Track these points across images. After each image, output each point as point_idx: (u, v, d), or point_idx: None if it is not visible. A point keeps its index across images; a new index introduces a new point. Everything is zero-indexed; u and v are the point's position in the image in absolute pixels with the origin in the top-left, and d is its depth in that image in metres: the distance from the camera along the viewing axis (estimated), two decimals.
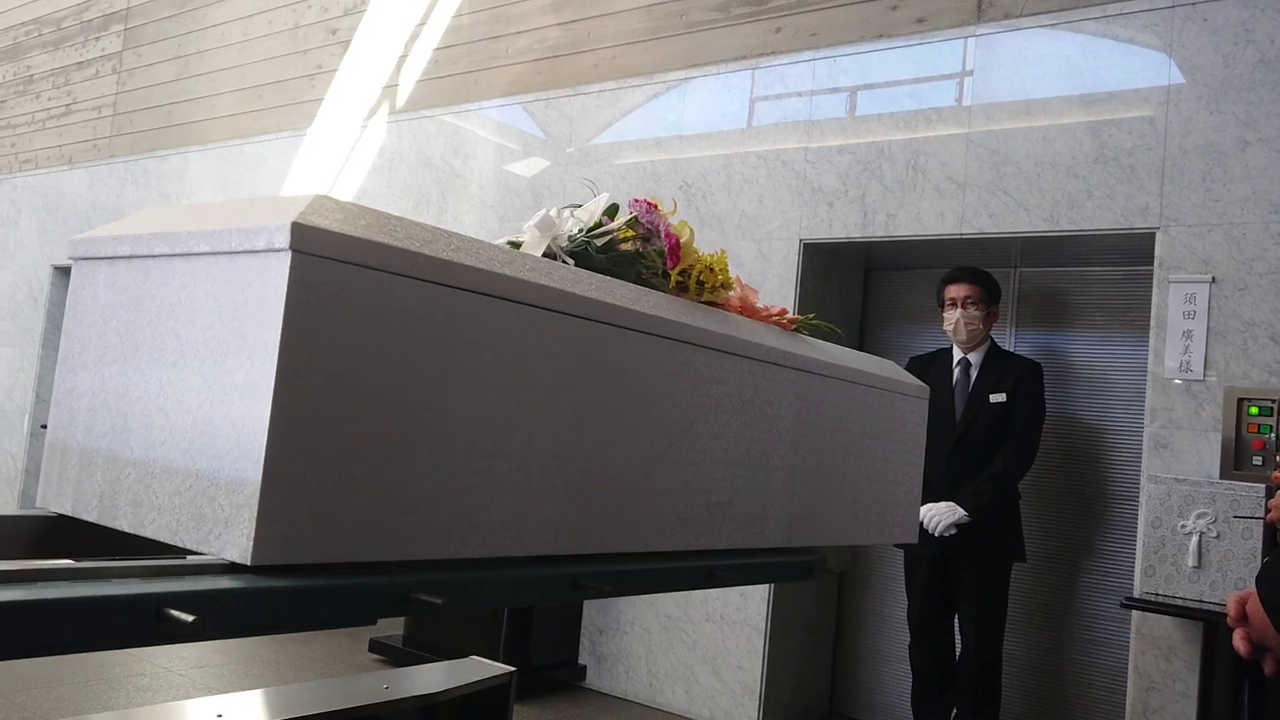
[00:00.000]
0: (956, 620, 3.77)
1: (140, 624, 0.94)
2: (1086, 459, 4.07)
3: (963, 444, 3.68)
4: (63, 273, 7.88)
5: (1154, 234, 3.53)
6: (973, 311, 3.74)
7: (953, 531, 3.55)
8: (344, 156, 6.19)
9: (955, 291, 3.78)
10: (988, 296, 3.78)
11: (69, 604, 0.90)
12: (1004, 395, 3.68)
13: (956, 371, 3.80)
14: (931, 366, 3.77)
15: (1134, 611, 3.32)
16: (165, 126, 7.38)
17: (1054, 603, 4.08)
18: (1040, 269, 4.29)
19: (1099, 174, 3.65)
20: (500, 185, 5.43)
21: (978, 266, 3.88)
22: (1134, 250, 3.75)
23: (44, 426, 6.78)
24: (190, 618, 0.94)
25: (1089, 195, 3.67)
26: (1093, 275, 4.16)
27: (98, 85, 8.01)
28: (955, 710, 3.72)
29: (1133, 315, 3.94)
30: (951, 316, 3.77)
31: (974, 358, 3.79)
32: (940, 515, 3.55)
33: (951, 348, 3.85)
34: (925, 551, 3.63)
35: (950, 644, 3.80)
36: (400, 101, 5.97)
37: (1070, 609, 4.04)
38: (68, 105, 8.22)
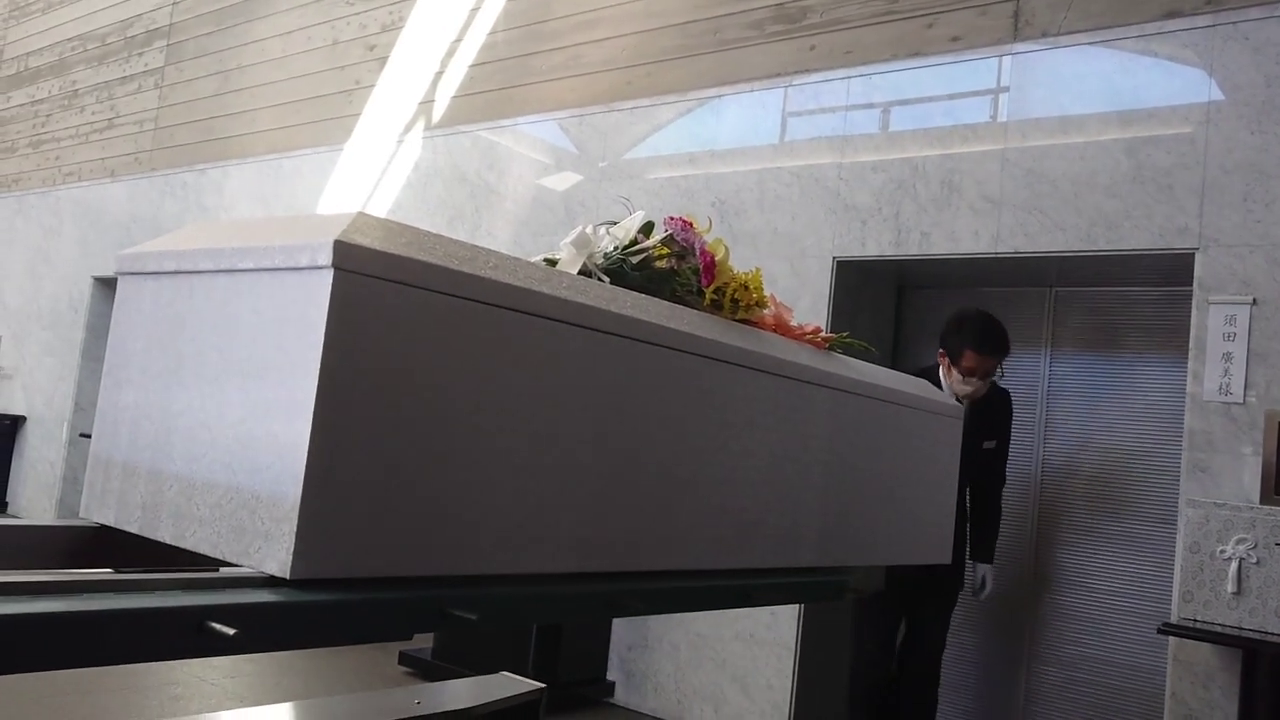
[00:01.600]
0: (907, 636, 3.89)
1: (182, 636, 0.95)
2: (1123, 482, 4.02)
3: (962, 494, 3.69)
4: (103, 283, 8.01)
5: (1193, 254, 3.49)
6: (992, 379, 3.63)
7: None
8: (380, 172, 6.25)
9: (982, 363, 3.52)
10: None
11: (112, 615, 0.91)
12: (994, 441, 3.71)
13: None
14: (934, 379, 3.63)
15: (1171, 638, 3.26)
16: (205, 141, 7.49)
17: (1089, 628, 4.03)
18: (1077, 289, 4.25)
19: (1137, 193, 3.62)
20: (534, 201, 5.46)
21: (1006, 331, 3.66)
22: (1173, 271, 3.71)
23: (83, 435, 6.84)
24: (231, 631, 0.95)
25: (1127, 215, 3.63)
26: (1131, 296, 4.11)
27: (140, 100, 8.15)
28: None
29: (1171, 337, 3.89)
30: (969, 384, 3.52)
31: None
32: (990, 579, 3.80)
33: (938, 371, 3.62)
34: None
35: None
36: (436, 117, 6.03)
37: (1106, 635, 3.98)
38: (110, 119, 8.37)
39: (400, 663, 4.73)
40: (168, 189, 7.68)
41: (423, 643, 4.78)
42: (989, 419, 3.67)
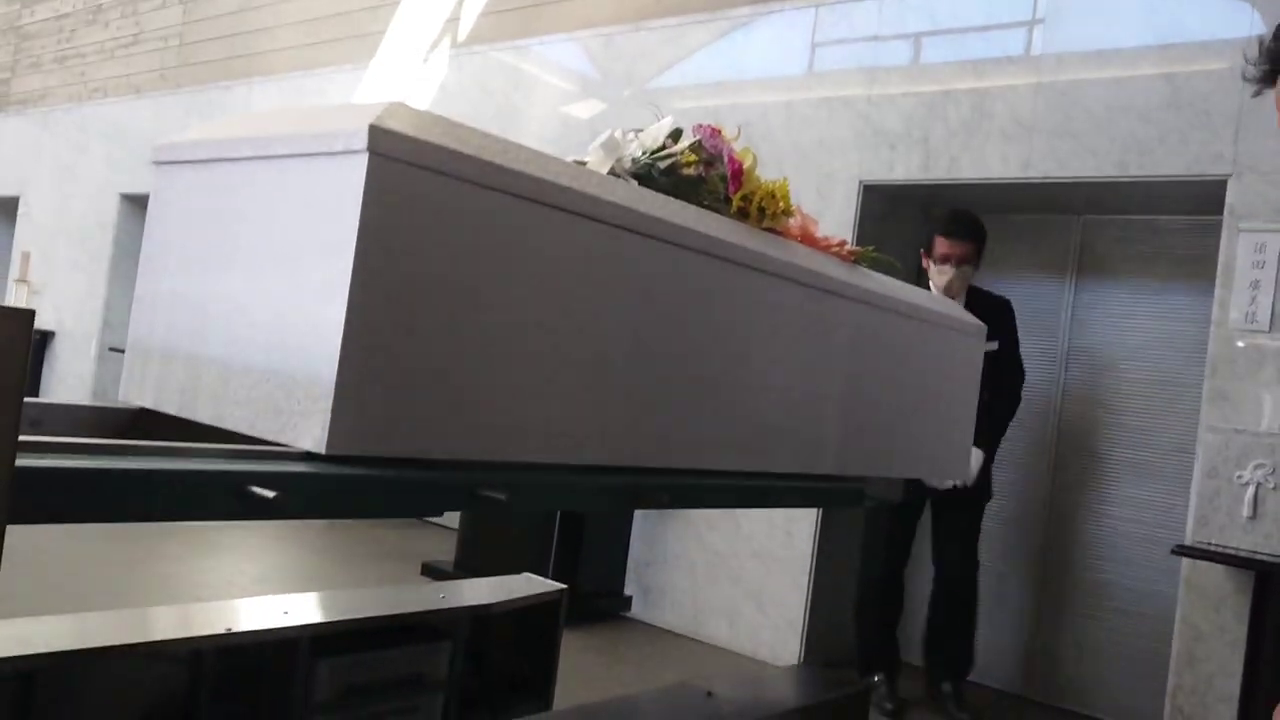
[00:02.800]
0: (938, 562, 3.84)
1: (225, 498, 0.99)
2: (1144, 410, 4.02)
3: None
4: (130, 200, 8.04)
5: (1226, 181, 3.44)
6: (968, 269, 3.58)
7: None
8: (405, 90, 6.21)
9: (951, 249, 3.56)
10: (979, 251, 3.61)
11: (160, 475, 0.95)
12: (995, 344, 3.55)
13: None
14: None
15: (1184, 560, 3.30)
16: (229, 58, 7.45)
17: (1102, 552, 4.07)
18: (1105, 216, 4.21)
19: (1172, 119, 3.56)
20: (559, 123, 5.43)
21: (975, 217, 3.67)
22: (1204, 198, 3.66)
23: (113, 349, 6.93)
24: (271, 494, 0.99)
25: (1161, 141, 3.58)
26: (1159, 224, 4.07)
27: (164, 15, 8.09)
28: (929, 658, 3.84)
29: (1199, 266, 3.85)
30: (944, 273, 3.55)
31: (959, 302, 3.57)
32: (976, 473, 3.57)
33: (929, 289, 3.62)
34: (911, 498, 3.66)
35: (901, 592, 3.89)
36: (462, 35, 5.97)
37: (1118, 558, 4.02)
38: (135, 35, 8.33)
39: (422, 573, 4.84)
40: (193, 106, 7.66)
41: (445, 554, 4.88)
42: (988, 320, 3.62)
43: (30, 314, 0.71)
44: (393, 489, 1.16)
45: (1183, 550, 3.18)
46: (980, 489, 3.70)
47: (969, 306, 3.60)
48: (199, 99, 7.62)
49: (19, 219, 9.13)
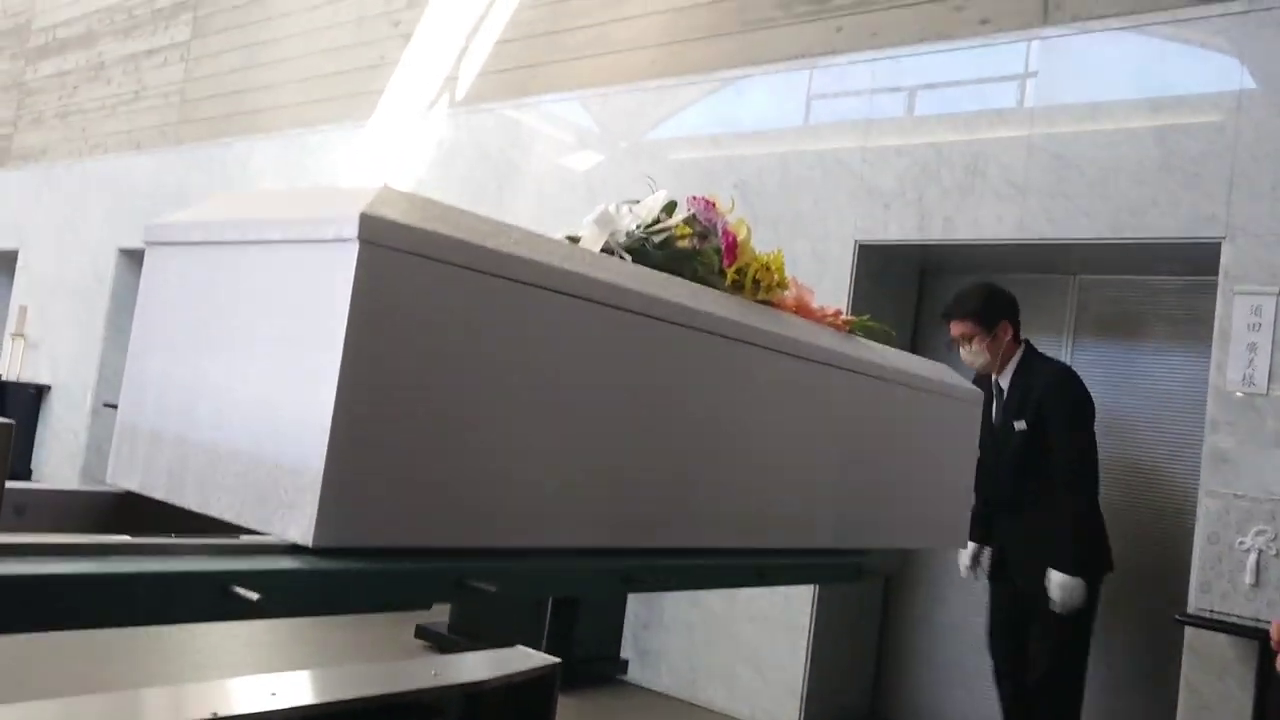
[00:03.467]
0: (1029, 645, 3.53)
1: (207, 600, 0.97)
2: (1142, 471, 4.00)
3: (996, 477, 3.44)
4: (128, 255, 8.07)
5: (1220, 244, 3.46)
6: (975, 347, 3.48)
7: (1081, 594, 3.30)
8: (403, 147, 6.27)
9: (953, 329, 3.53)
10: (983, 327, 3.47)
11: (140, 578, 0.93)
12: (1025, 424, 3.43)
13: (994, 392, 3.56)
14: (983, 385, 3.47)
15: (1187, 628, 3.26)
16: (230, 114, 7.52)
17: (1104, 617, 4.01)
18: (1101, 277, 4.22)
19: (1165, 181, 3.59)
20: (556, 179, 5.46)
21: (971, 294, 3.57)
22: (1199, 260, 3.68)
23: (107, 404, 6.91)
24: (255, 595, 0.97)
25: (1154, 203, 3.60)
26: (1155, 285, 4.08)
27: (166, 72, 8.18)
28: None
29: (1195, 327, 3.86)
30: (962, 355, 3.54)
31: (1003, 380, 3.54)
32: (1067, 595, 3.28)
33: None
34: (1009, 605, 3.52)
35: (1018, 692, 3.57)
36: (460, 94, 6.03)
37: (1120, 624, 3.97)
38: (137, 92, 8.41)
39: (416, 636, 4.78)
40: (194, 162, 7.72)
41: (439, 616, 4.82)
42: (1024, 397, 3.45)
43: (9, 427, 0.69)
44: (379, 583, 1.13)
45: (1185, 619, 3.14)
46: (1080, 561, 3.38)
47: (1019, 385, 3.47)
48: (199, 154, 7.68)
49: (17, 272, 9.16)
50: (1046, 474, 3.40)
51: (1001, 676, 3.61)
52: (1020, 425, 3.44)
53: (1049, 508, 3.37)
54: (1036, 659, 3.44)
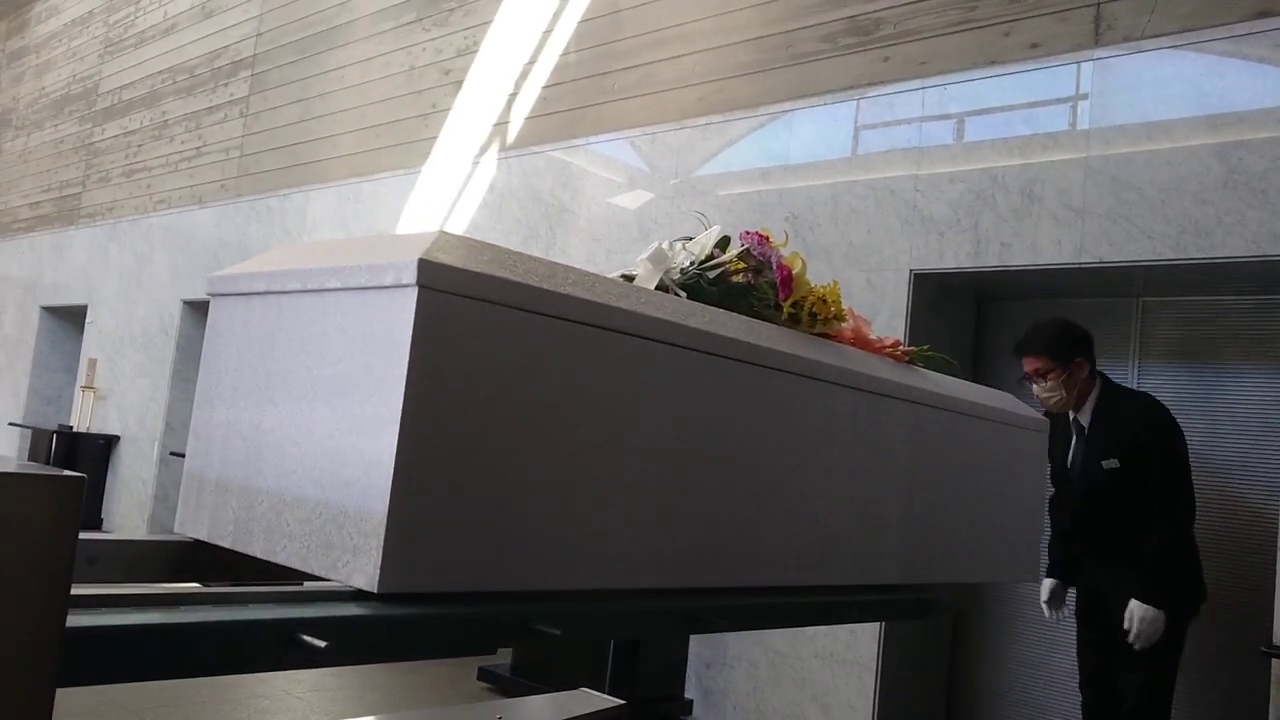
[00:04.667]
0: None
1: (274, 648, 0.97)
2: (1218, 499, 3.88)
3: (1084, 516, 3.39)
4: (192, 307, 8.27)
5: None
6: (1048, 383, 3.35)
7: (1156, 639, 3.19)
8: (456, 193, 6.36)
9: (1026, 365, 3.42)
10: (1059, 360, 3.34)
11: (209, 628, 0.94)
12: (1116, 461, 3.30)
13: (1073, 431, 3.46)
14: (1057, 423, 3.36)
15: (1274, 660, 3.13)
16: (288, 166, 7.70)
17: (1187, 651, 3.88)
18: (1166, 298, 4.13)
19: (1229, 199, 3.50)
20: (607, 219, 5.50)
21: (1044, 331, 3.45)
22: (1268, 277, 3.58)
23: (174, 454, 7.03)
24: (323, 643, 0.97)
25: (1218, 221, 3.52)
26: (1223, 305, 3.98)
27: (226, 129, 8.42)
28: None
29: (1268, 347, 3.75)
30: (1035, 391, 3.41)
31: (1084, 417, 3.42)
32: (1146, 629, 3.17)
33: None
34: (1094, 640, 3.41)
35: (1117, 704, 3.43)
36: (510, 138, 6.11)
37: (1204, 657, 3.83)
38: (198, 148, 8.66)
39: (479, 678, 4.76)
40: (253, 214, 7.90)
41: (502, 659, 4.81)
42: (1108, 434, 3.34)
43: (81, 481, 0.70)
44: (444, 628, 1.13)
45: (1272, 650, 3.02)
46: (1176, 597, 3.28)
47: (1102, 422, 3.36)
48: (258, 206, 7.87)
49: (86, 327, 9.43)
50: (1144, 511, 3.28)
51: (1094, 712, 3.49)
52: (1111, 464, 3.31)
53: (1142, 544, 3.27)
54: (1125, 693, 3.33)
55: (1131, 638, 3.18)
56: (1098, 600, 3.41)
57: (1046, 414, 3.29)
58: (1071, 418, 3.45)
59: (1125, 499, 3.30)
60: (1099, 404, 3.39)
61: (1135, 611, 3.18)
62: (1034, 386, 3.41)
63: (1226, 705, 3.75)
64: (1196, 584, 3.34)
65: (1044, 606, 3.57)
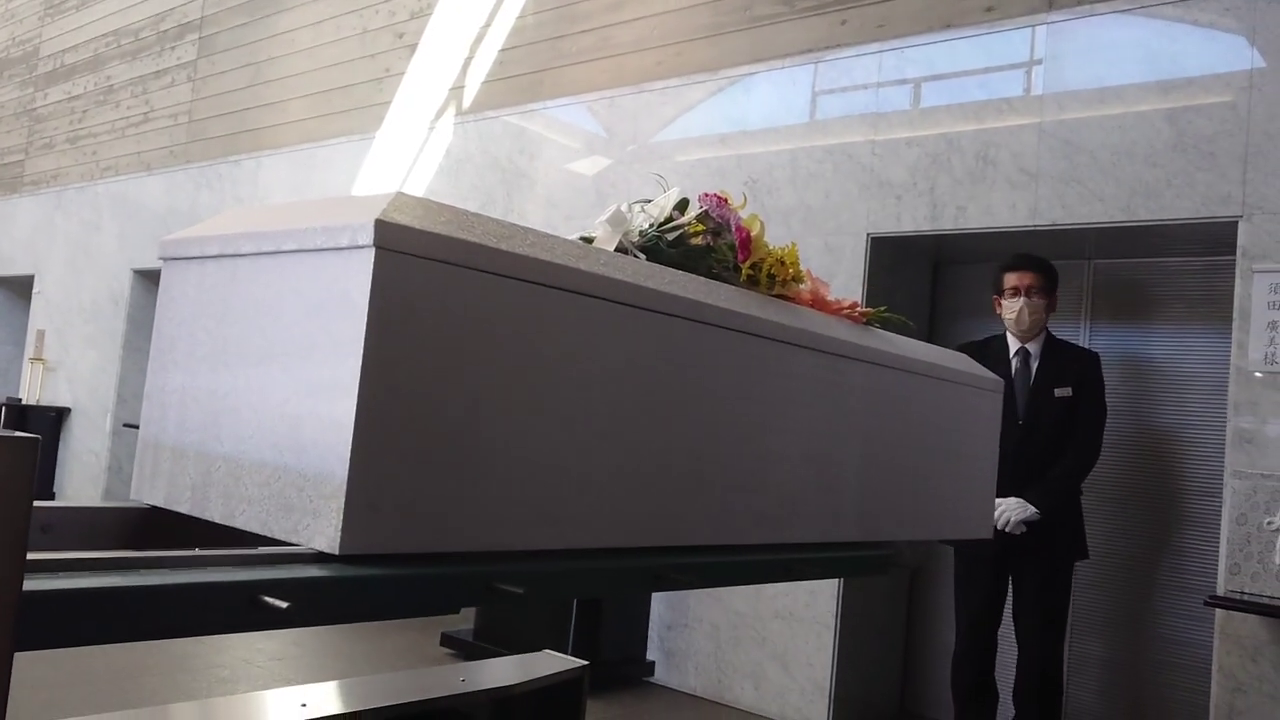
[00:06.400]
0: (1012, 624, 3.65)
1: (237, 610, 0.97)
2: (1165, 455, 3.97)
3: (1027, 440, 3.53)
4: (142, 276, 8.12)
5: (1236, 223, 3.43)
6: (1037, 300, 3.59)
7: (1022, 529, 3.44)
8: (412, 158, 6.28)
9: (1018, 280, 3.63)
10: (1050, 285, 3.65)
11: (169, 590, 0.93)
12: (1069, 389, 3.56)
13: (1015, 362, 3.64)
14: (985, 354, 3.52)
15: (1218, 610, 3.23)
16: (238, 132, 7.56)
17: (1133, 602, 3.99)
18: (1116, 260, 4.20)
19: (1178, 162, 3.56)
20: (565, 185, 5.47)
21: (1042, 256, 3.72)
22: (1215, 240, 3.65)
23: (127, 425, 6.95)
24: (284, 604, 0.97)
25: (1168, 184, 3.57)
26: (1171, 266, 4.05)
27: (174, 93, 8.23)
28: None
29: (1213, 307, 3.83)
30: (1014, 305, 3.60)
31: (1033, 348, 3.64)
32: (1011, 511, 3.42)
33: (1005, 335, 3.70)
34: (984, 551, 3.52)
35: (993, 656, 3.69)
36: (466, 103, 6.04)
37: (1150, 608, 3.94)
38: (146, 114, 8.47)
39: (442, 644, 4.78)
40: (203, 181, 7.76)
41: (464, 623, 4.83)
42: (1062, 366, 3.60)
43: (35, 442, 0.69)
44: (407, 589, 1.13)
45: (1215, 601, 3.11)
46: (1062, 546, 3.55)
47: (1053, 356, 3.62)
48: (208, 173, 7.72)
49: (34, 298, 9.23)
50: (1062, 439, 3.59)
51: (975, 658, 3.69)
52: (1064, 392, 3.58)
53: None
54: (1043, 623, 3.55)
55: (997, 514, 3.41)
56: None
57: (983, 345, 3.60)
58: (1016, 348, 3.66)
59: (1064, 425, 3.57)
60: (1048, 339, 3.68)
61: (1013, 500, 3.43)
62: (1018, 300, 3.60)
63: (1173, 654, 3.87)
64: (1082, 537, 3.63)
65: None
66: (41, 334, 9.00)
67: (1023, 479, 3.49)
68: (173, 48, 8.32)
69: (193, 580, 0.95)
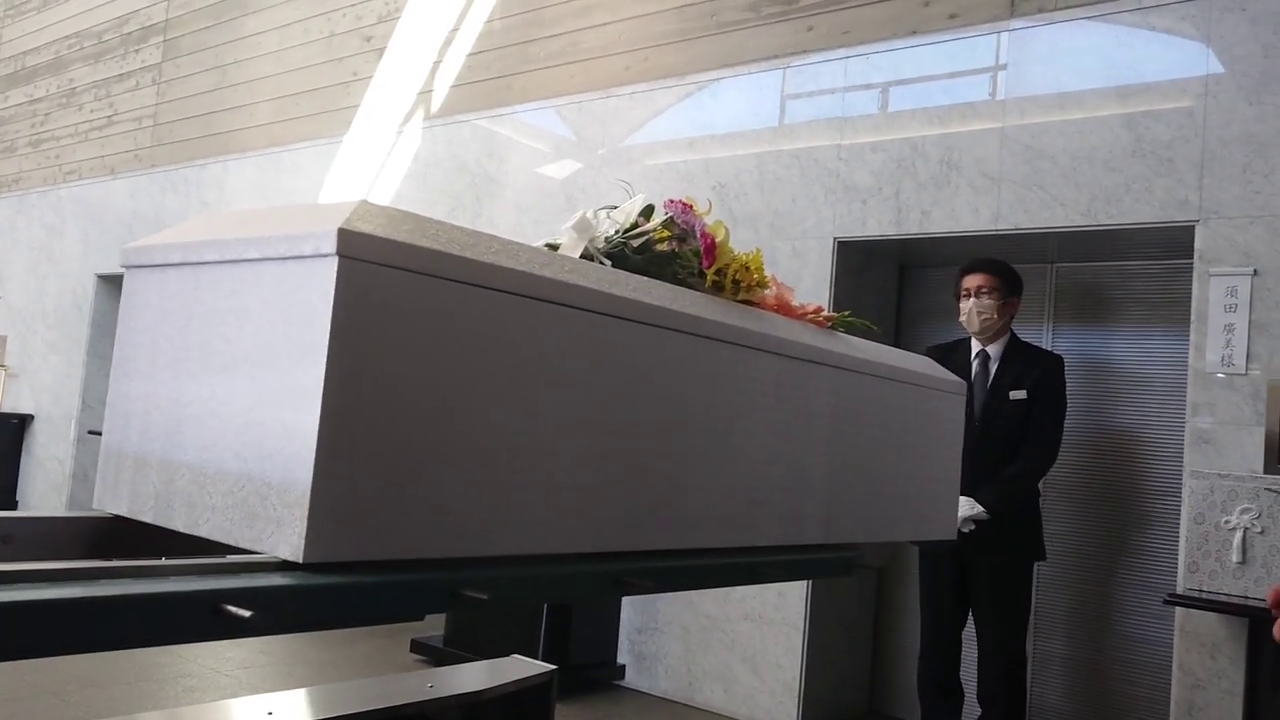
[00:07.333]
0: (974, 624, 3.69)
1: (199, 619, 0.97)
2: (1126, 455, 4.04)
3: (982, 442, 3.55)
4: (107, 281, 8.03)
5: (1193, 227, 3.49)
6: (986, 301, 3.63)
7: (970, 527, 3.44)
8: (380, 162, 6.26)
9: (970, 281, 3.69)
10: (1004, 287, 3.68)
11: (131, 600, 0.93)
12: (1024, 392, 3.59)
13: (975, 364, 3.68)
14: (951, 357, 3.56)
15: (1177, 608, 3.28)
16: (204, 136, 7.50)
17: (1094, 601, 4.05)
18: (1077, 264, 4.26)
19: (1136, 167, 3.62)
20: (534, 188, 5.47)
21: (1008, 262, 3.77)
22: (1173, 244, 3.71)
23: (91, 432, 6.87)
24: (247, 613, 0.97)
25: (1127, 189, 3.63)
26: (1131, 270, 4.12)
27: (138, 97, 8.15)
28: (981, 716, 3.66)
29: (1172, 310, 3.90)
30: (964, 306, 3.68)
31: (993, 350, 3.69)
32: (958, 509, 3.46)
33: (970, 339, 3.75)
34: (940, 549, 3.56)
35: (957, 656, 3.73)
36: (435, 107, 6.03)
37: (1111, 606, 4.00)
38: (109, 117, 8.38)
39: (412, 650, 4.76)
40: (168, 185, 7.69)
41: (434, 630, 4.81)
42: (1021, 369, 3.63)
43: None
44: (371, 596, 1.14)
45: (1175, 599, 3.16)
46: (1017, 546, 3.59)
47: (1013, 359, 3.66)
48: (174, 177, 7.65)
49: None
50: (1018, 441, 3.62)
51: (939, 655, 3.72)
52: (1019, 395, 3.61)
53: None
54: (1002, 620, 3.59)
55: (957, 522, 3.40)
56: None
57: (949, 349, 3.68)
58: (977, 350, 3.71)
59: (1019, 427, 3.60)
60: (1010, 342, 3.72)
61: (962, 499, 3.37)
62: (969, 302, 3.66)
63: (1134, 651, 3.93)
64: (1040, 538, 3.68)
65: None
66: (3, 340, 8.88)
67: (976, 479, 3.52)
68: (137, 50, 8.23)
69: (155, 590, 0.95)
